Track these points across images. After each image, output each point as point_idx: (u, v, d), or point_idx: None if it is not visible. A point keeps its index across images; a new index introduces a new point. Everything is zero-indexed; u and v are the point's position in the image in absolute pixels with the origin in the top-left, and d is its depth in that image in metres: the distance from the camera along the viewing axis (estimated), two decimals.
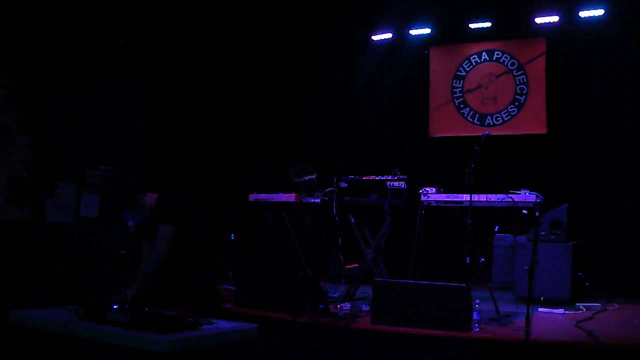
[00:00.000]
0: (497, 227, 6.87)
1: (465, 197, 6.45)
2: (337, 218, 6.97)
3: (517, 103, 8.76)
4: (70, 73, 7.69)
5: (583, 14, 8.15)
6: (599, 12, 8.05)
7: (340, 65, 9.75)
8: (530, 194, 6.41)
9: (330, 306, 6.16)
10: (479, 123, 8.97)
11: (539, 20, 8.44)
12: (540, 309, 6.29)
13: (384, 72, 9.51)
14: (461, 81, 9.16)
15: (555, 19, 8.37)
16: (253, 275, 6.46)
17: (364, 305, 6.30)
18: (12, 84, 7.16)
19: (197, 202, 4.83)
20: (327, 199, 7.14)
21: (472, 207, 6.11)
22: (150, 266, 4.54)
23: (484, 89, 9.02)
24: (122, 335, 3.53)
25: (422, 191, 6.90)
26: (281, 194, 7.71)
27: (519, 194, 6.43)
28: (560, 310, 6.31)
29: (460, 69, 9.17)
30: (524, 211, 6.18)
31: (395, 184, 6.84)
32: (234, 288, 6.54)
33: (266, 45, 9.72)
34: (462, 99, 9.14)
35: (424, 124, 9.28)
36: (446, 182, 7.01)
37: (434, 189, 6.91)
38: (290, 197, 7.59)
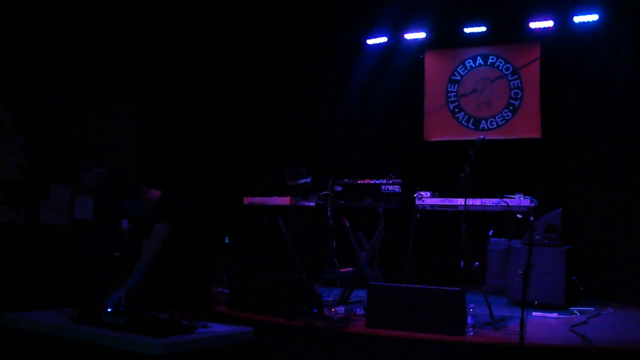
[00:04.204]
0: (491, 231, 6.91)
1: (460, 201, 6.46)
2: (331, 221, 6.96)
3: (511, 107, 8.79)
4: (65, 75, 7.68)
5: (577, 19, 8.19)
6: (594, 17, 8.09)
7: (335, 69, 9.76)
8: (524, 198, 6.42)
9: (325, 310, 6.15)
10: (473, 127, 8.99)
11: (533, 25, 8.47)
12: (534, 313, 6.29)
13: (379, 75, 9.52)
14: (456, 85, 9.18)
15: (550, 24, 8.39)
16: (248, 278, 6.46)
17: (358, 309, 6.30)
18: (7, 86, 7.15)
19: (193, 204, 4.80)
20: (322, 202, 7.14)
21: (467, 211, 6.11)
22: (142, 264, 4.42)
23: (479, 93, 9.03)
24: (117, 338, 3.52)
25: (417, 195, 6.91)
26: (276, 197, 7.69)
27: (514, 198, 6.44)
28: (555, 314, 6.33)
29: (455, 73, 9.19)
30: (518, 215, 6.19)
31: (390, 187, 6.84)
32: (228, 291, 6.53)
33: (261, 48, 9.72)
34: (456, 103, 9.16)
35: (418, 127, 9.29)
36: (441, 186, 7.02)
37: (428, 193, 6.92)
38: (285, 200, 7.57)
